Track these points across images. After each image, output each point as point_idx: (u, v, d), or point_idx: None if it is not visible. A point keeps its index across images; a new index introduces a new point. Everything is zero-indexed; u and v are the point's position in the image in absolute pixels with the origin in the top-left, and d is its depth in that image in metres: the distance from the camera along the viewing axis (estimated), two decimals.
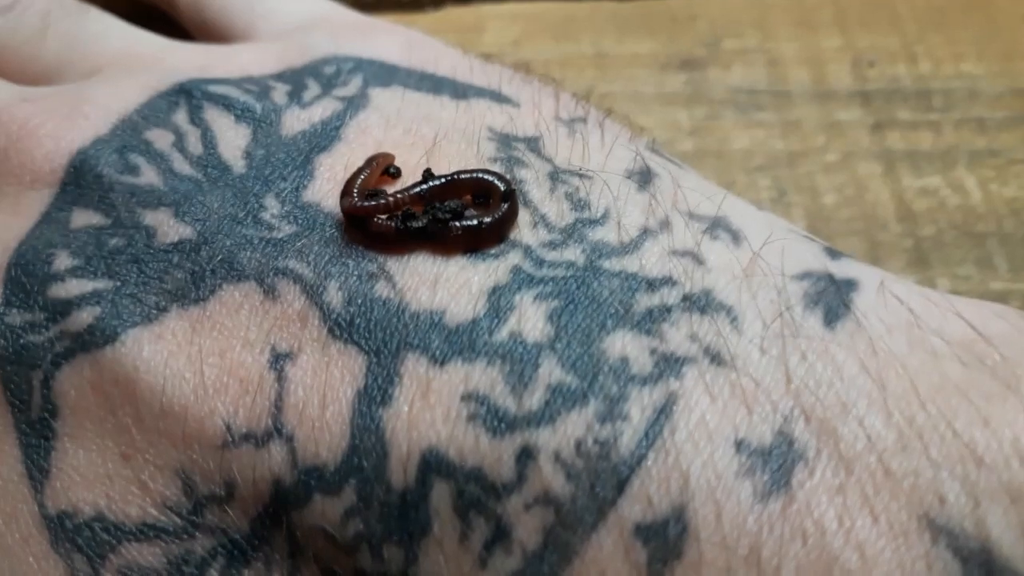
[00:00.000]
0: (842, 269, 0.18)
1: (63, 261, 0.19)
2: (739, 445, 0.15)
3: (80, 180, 0.20)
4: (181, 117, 0.21)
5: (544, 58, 0.29)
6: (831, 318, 0.17)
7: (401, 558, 0.16)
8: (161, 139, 0.20)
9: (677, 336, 0.16)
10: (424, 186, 0.18)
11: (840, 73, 0.29)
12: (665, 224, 0.18)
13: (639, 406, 0.16)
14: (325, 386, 0.17)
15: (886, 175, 0.27)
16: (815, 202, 0.27)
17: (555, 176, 0.19)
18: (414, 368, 0.16)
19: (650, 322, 0.17)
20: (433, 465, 0.16)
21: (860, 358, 0.16)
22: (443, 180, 0.18)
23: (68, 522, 0.17)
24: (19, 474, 0.18)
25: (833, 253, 0.19)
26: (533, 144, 0.20)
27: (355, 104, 0.21)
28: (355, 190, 0.18)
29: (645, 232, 0.18)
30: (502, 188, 0.18)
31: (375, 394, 0.16)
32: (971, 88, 0.29)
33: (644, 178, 0.19)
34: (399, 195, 0.18)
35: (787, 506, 0.15)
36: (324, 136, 0.20)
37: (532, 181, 0.19)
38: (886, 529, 0.14)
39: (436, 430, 0.16)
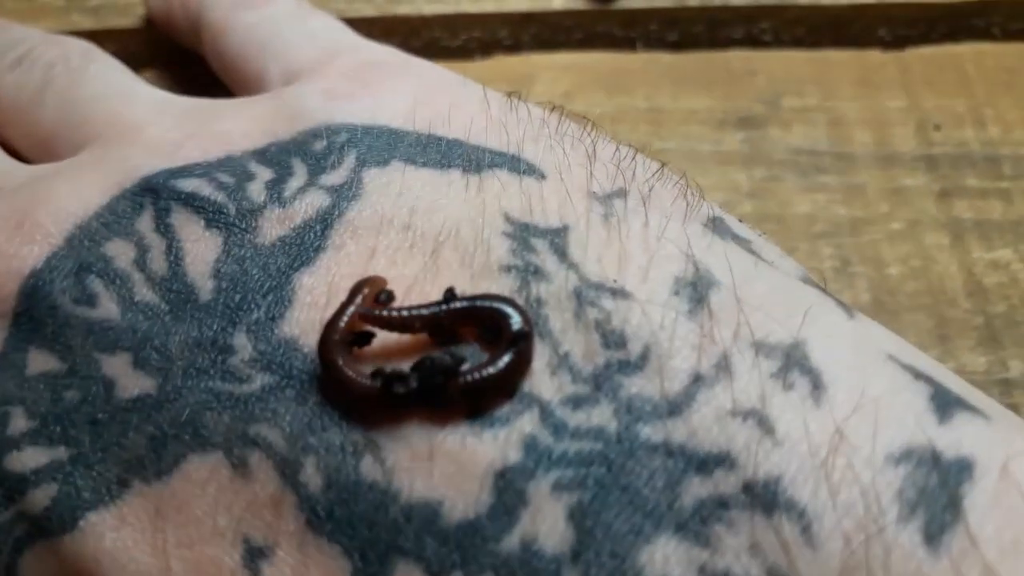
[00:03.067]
0: (953, 440, 0.14)
1: (19, 423, 0.17)
2: None
3: (34, 311, 0.18)
4: (146, 224, 0.18)
5: (596, 112, 0.28)
6: (934, 533, 0.13)
7: None
8: (122, 254, 0.18)
9: (734, 547, 0.13)
10: (439, 308, 0.15)
11: (905, 136, 0.28)
12: (723, 366, 0.15)
13: None
14: None
15: (954, 246, 0.26)
16: (880, 273, 0.26)
17: (582, 295, 0.16)
18: None
19: (701, 523, 0.14)
20: None
21: None
22: (460, 306, 0.16)
23: None
24: None
25: (943, 405, 0.15)
26: (558, 241, 0.17)
27: (345, 195, 0.18)
28: (337, 335, 0.15)
29: (697, 380, 0.15)
30: (514, 328, 0.15)
31: None
32: None
33: (698, 293, 0.16)
34: (406, 312, 0.15)
35: None
36: (306, 246, 0.17)
37: (553, 303, 0.16)
38: None
39: None
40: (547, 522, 0.14)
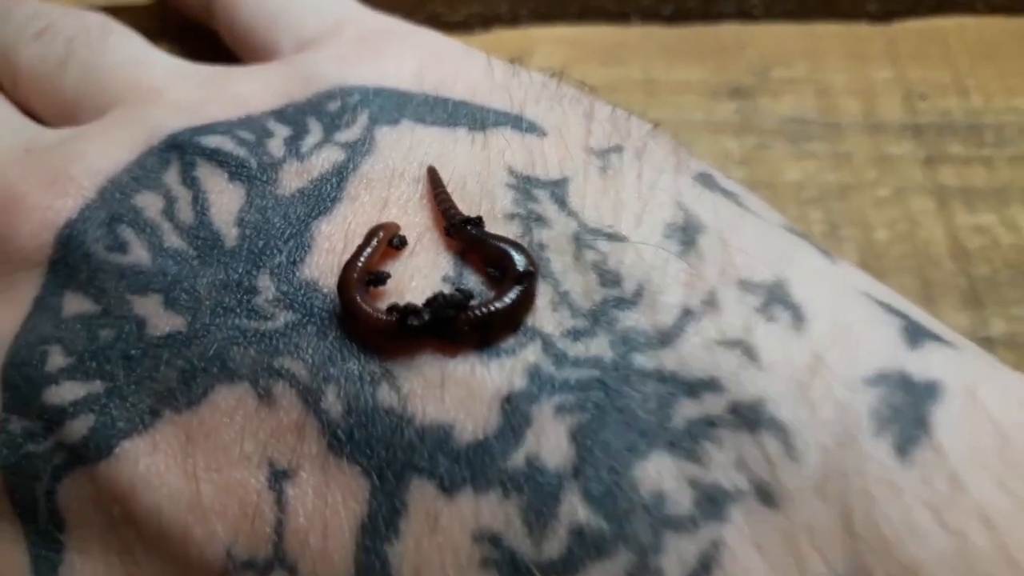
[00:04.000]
0: (924, 365, 0.15)
1: (57, 360, 0.18)
2: None
3: (69, 258, 0.19)
4: (172, 177, 0.19)
5: (592, 82, 0.29)
6: (904, 445, 0.14)
7: None
8: (151, 205, 0.19)
9: (722, 462, 0.15)
10: (468, 220, 0.17)
11: (891, 105, 0.29)
12: (711, 302, 0.16)
13: (676, 559, 0.14)
14: (327, 512, 0.16)
15: (939, 211, 0.27)
16: (867, 237, 0.27)
17: (581, 239, 0.17)
18: (421, 496, 0.15)
19: (691, 441, 0.15)
20: None
21: (936, 506, 0.14)
22: (477, 232, 0.17)
23: None
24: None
25: (914, 335, 0.16)
26: (558, 191, 0.18)
27: (359, 151, 0.19)
28: (355, 274, 0.16)
29: (686, 314, 0.16)
30: (520, 268, 0.16)
31: (379, 526, 0.15)
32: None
33: (687, 236, 0.17)
34: (449, 207, 0.17)
35: None
36: (324, 196, 0.18)
37: (554, 247, 0.17)
38: None
39: (446, 575, 0.15)
40: (550, 441, 0.15)
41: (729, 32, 0.30)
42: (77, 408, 0.17)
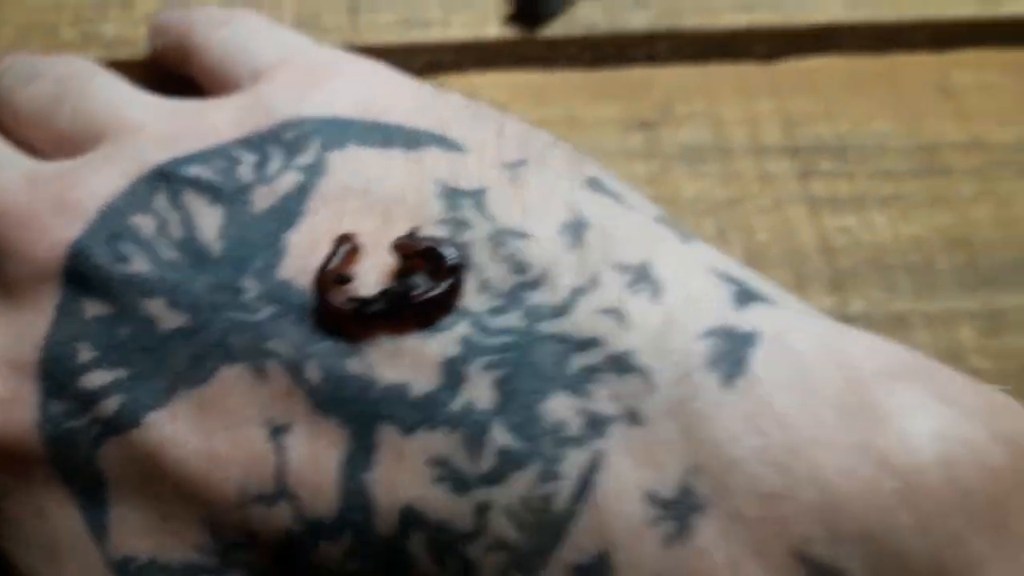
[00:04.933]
0: (747, 320, 0.19)
1: (85, 354, 0.21)
2: (650, 498, 0.18)
3: (81, 272, 0.22)
4: (161, 202, 0.23)
5: (527, 120, 0.35)
6: (728, 379, 0.18)
7: None
8: (146, 225, 0.22)
9: (603, 397, 0.19)
10: (408, 239, 0.21)
11: (773, 131, 0.35)
12: (595, 281, 0.20)
13: (572, 465, 0.18)
14: (317, 454, 0.20)
15: (811, 217, 0.33)
16: (751, 239, 0.32)
17: (497, 238, 0.21)
18: (388, 437, 0.19)
19: (581, 383, 0.19)
20: (410, 519, 0.19)
21: (748, 416, 0.18)
22: (418, 238, 0.21)
23: (130, 565, 0.21)
24: (84, 531, 0.21)
25: (743, 298, 0.20)
26: (478, 199, 0.22)
27: (315, 172, 0.22)
28: (325, 276, 0.21)
29: (576, 292, 0.20)
30: (451, 262, 0.21)
31: (358, 460, 0.19)
32: (881, 144, 0.35)
33: (577, 232, 0.21)
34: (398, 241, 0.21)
35: (687, 552, 0.17)
36: (289, 211, 0.22)
37: (478, 244, 0.21)
38: (769, 566, 0.17)
39: (410, 490, 0.19)
40: (480, 390, 0.19)
41: (638, 74, 0.36)
42: (107, 391, 0.21)
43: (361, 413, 0.20)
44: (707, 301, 0.20)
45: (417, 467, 0.19)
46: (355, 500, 0.19)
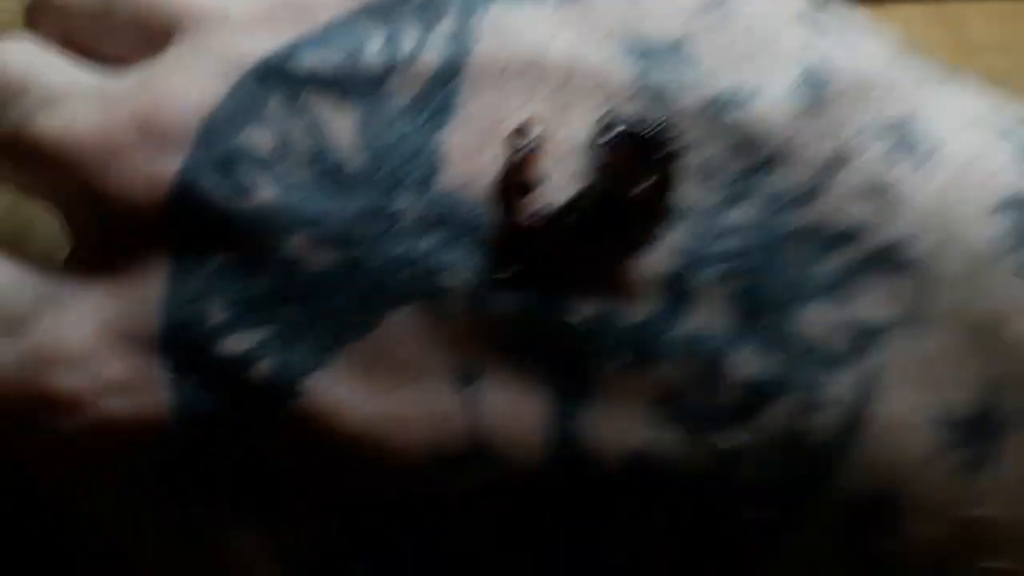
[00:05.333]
0: None
1: (217, 314, 0.17)
2: (940, 422, 0.15)
3: (193, 212, 0.18)
4: (275, 107, 0.18)
5: None
6: None
7: None
8: (262, 140, 0.18)
9: (871, 302, 0.16)
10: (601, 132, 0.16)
11: None
12: (847, 151, 0.17)
13: (838, 391, 0.16)
14: (514, 403, 0.16)
15: None
16: None
17: (713, 107, 0.17)
18: (600, 376, 0.16)
19: (841, 287, 0.16)
20: (638, 468, 0.16)
21: None
22: (616, 132, 0.16)
23: (302, 558, 0.18)
24: (259, 546, 0.18)
25: None
26: (678, 55, 0.17)
27: (461, 43, 0.18)
28: (503, 183, 0.17)
29: (825, 168, 0.16)
30: (658, 149, 0.16)
31: (566, 407, 0.16)
32: None
33: (815, 85, 0.17)
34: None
35: (990, 482, 0.15)
36: (439, 102, 0.17)
37: (689, 118, 0.17)
38: None
39: (635, 436, 0.16)
40: (712, 310, 0.16)
41: None
42: (252, 356, 0.17)
43: (565, 351, 0.16)
44: (991, 163, 0.17)
45: (641, 409, 0.16)
46: (566, 453, 0.16)
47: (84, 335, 0.18)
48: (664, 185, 0.16)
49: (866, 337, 0.16)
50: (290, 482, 0.17)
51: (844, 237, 0.16)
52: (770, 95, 0.17)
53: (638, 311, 0.16)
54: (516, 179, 0.17)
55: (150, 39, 0.20)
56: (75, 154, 0.18)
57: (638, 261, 0.16)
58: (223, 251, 0.17)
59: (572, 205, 0.17)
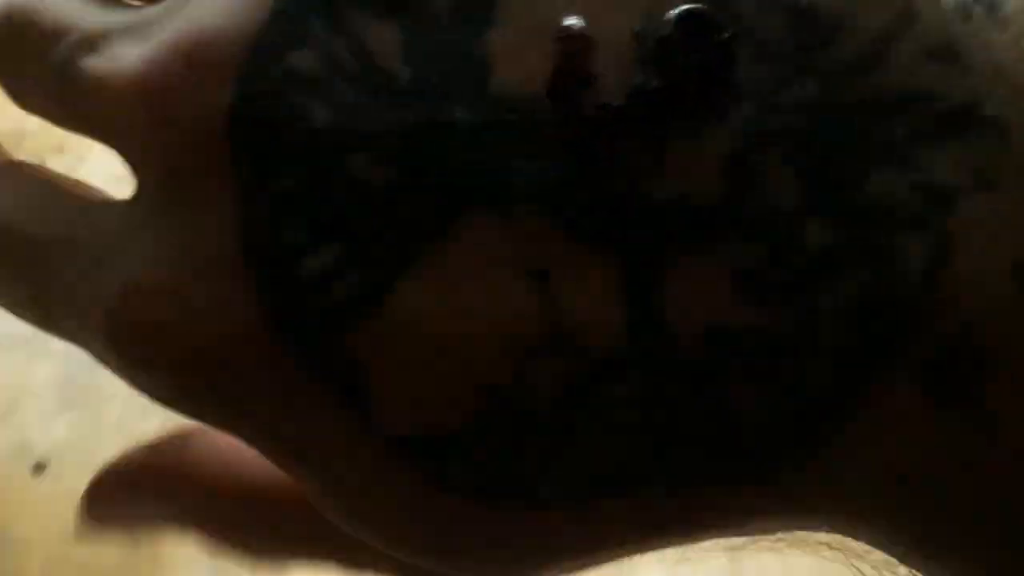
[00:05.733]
0: None
1: (293, 234, 0.17)
2: (1021, 268, 0.15)
3: (251, 143, 0.18)
4: (318, 28, 0.18)
5: None
6: None
7: None
8: (308, 62, 0.18)
9: (943, 163, 0.16)
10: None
11: None
12: (908, 14, 0.16)
13: (912, 254, 0.16)
14: (591, 291, 0.17)
15: None
16: None
17: None
18: (673, 259, 0.16)
19: (911, 151, 0.16)
20: (719, 341, 0.16)
21: None
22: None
23: (404, 447, 0.18)
24: (344, 423, 0.18)
25: None
26: None
27: None
28: (562, 83, 0.17)
29: (886, 33, 0.16)
30: (714, 32, 0.16)
31: (643, 291, 0.17)
32: None
33: None
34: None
35: None
36: (478, 3, 0.17)
37: None
38: None
39: (714, 312, 0.16)
40: (780, 184, 0.16)
41: None
42: (333, 271, 0.17)
43: (637, 238, 0.17)
44: None
45: (718, 286, 0.16)
46: (646, 333, 0.17)
47: (164, 267, 0.18)
48: (725, 65, 0.17)
49: (939, 199, 0.16)
50: (386, 377, 0.18)
51: (912, 101, 0.16)
52: None
53: (709, 193, 0.16)
54: (574, 73, 0.17)
55: None
56: (126, 93, 0.18)
57: (704, 143, 0.17)
58: (287, 175, 0.18)
59: (637, 93, 0.17)
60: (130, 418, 0.50)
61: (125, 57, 0.19)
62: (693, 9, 0.16)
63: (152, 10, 0.20)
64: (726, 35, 0.16)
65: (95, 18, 0.20)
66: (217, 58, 0.18)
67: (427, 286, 0.17)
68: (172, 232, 0.18)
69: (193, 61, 0.18)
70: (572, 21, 0.17)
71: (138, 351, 0.18)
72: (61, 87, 0.19)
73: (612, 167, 0.17)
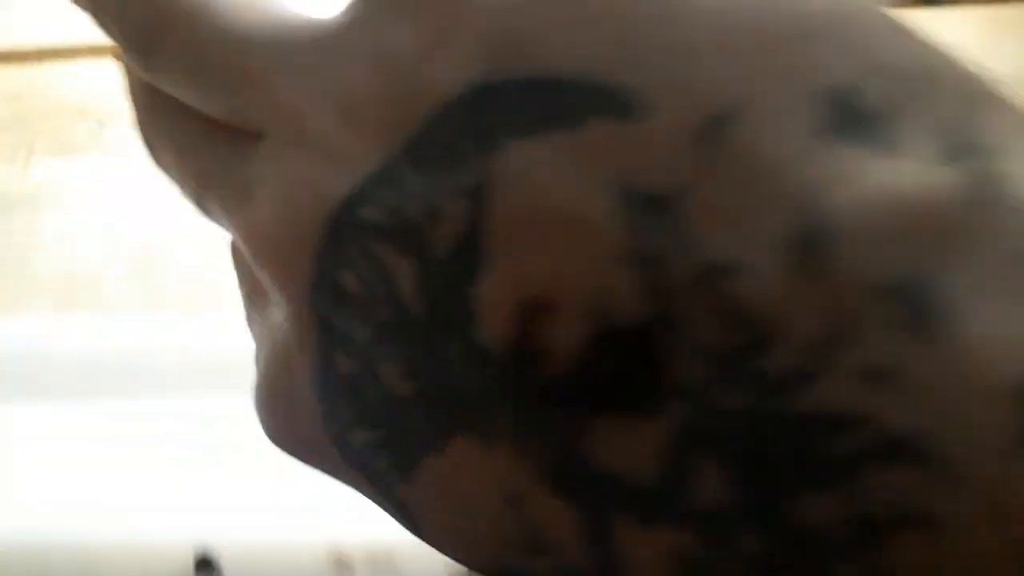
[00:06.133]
0: None
1: (342, 416, 0.20)
2: None
3: (327, 326, 0.20)
4: (354, 252, 0.19)
5: None
6: None
7: None
8: (354, 284, 0.19)
9: (875, 491, 0.15)
10: None
11: None
12: (847, 324, 0.15)
13: None
14: (557, 523, 0.18)
15: None
16: None
17: (704, 279, 0.16)
18: (621, 519, 0.17)
19: (845, 476, 0.15)
20: None
21: None
22: None
23: None
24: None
25: None
26: (671, 212, 0.16)
27: (478, 197, 0.17)
28: (516, 353, 0.18)
29: (821, 349, 0.15)
30: (644, 334, 0.17)
31: (598, 536, 0.18)
32: None
33: (815, 239, 0.15)
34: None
35: None
36: (469, 258, 0.17)
37: (681, 293, 0.16)
38: None
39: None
40: (717, 489, 0.16)
41: None
42: (369, 448, 0.20)
43: (584, 492, 0.18)
44: (1011, 344, 0.14)
45: (659, 562, 0.17)
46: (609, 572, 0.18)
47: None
48: (654, 368, 0.17)
49: (871, 532, 0.15)
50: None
51: (841, 424, 0.15)
52: (757, 262, 0.15)
53: (644, 476, 0.17)
54: (523, 345, 0.18)
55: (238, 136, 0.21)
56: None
57: (640, 430, 0.17)
58: (341, 363, 0.20)
59: (570, 375, 0.17)
60: None
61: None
62: (621, 317, 0.17)
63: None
64: (650, 341, 0.17)
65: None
66: (298, 254, 0.19)
67: (424, 488, 0.19)
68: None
69: (266, 262, 0.20)
70: (531, 292, 0.17)
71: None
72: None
73: (560, 428, 0.18)
